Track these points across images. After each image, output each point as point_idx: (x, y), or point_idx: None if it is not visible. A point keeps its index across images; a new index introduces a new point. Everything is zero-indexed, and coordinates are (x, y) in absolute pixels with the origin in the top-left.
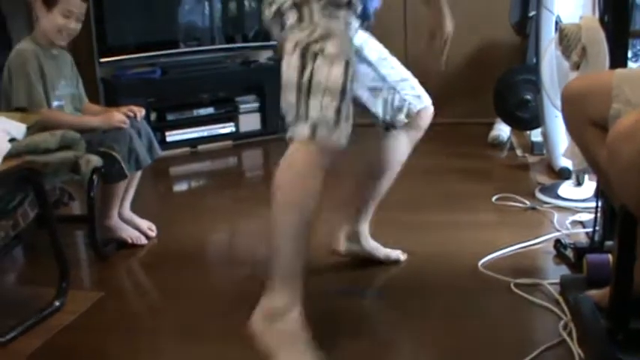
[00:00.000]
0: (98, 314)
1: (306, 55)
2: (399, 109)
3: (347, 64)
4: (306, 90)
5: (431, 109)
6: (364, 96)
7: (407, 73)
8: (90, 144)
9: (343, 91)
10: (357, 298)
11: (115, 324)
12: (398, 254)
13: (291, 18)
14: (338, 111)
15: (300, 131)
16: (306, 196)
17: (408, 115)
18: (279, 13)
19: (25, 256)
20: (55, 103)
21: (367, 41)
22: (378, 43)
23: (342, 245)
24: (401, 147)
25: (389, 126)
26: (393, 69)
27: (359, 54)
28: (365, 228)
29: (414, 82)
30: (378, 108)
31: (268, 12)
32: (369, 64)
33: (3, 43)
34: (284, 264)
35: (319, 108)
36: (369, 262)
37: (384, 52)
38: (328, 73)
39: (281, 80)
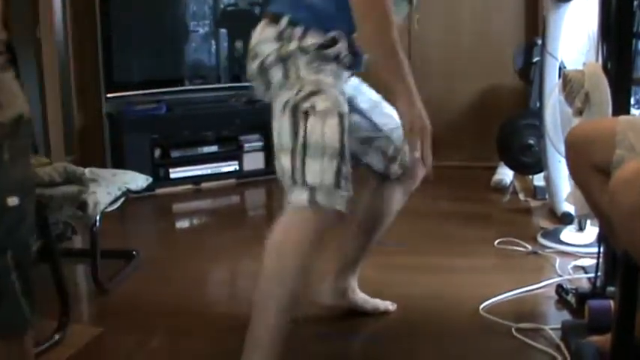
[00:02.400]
0: (97, 350)
1: (297, 114)
2: (394, 159)
3: (341, 118)
4: (301, 153)
5: None
6: (356, 147)
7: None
8: None
9: (342, 149)
10: (357, 342)
11: None
12: (387, 305)
13: (276, 75)
14: (338, 172)
15: (297, 197)
16: (297, 268)
17: (402, 166)
18: (263, 69)
19: None
20: None
21: (359, 88)
22: (369, 89)
23: (328, 299)
24: (395, 197)
25: (383, 177)
26: (388, 116)
27: (350, 104)
28: (354, 281)
29: None
30: (371, 159)
31: (251, 68)
32: (362, 113)
33: None
34: (259, 333)
35: (317, 171)
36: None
37: (377, 99)
38: (322, 131)
39: (273, 144)
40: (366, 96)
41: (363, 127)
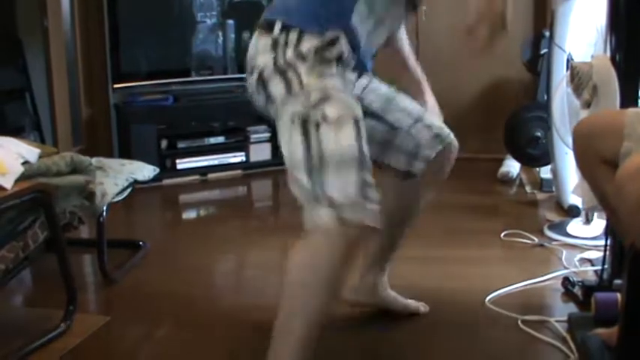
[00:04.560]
0: (103, 339)
1: (308, 126)
2: (415, 155)
3: (356, 124)
4: (318, 167)
5: (453, 144)
6: (376, 152)
7: (419, 111)
8: None
9: (361, 157)
10: (364, 333)
11: (119, 350)
12: (418, 306)
13: (277, 88)
14: (362, 183)
15: (320, 218)
16: (324, 299)
17: (425, 159)
18: (262, 81)
19: (33, 278)
20: None
21: (368, 87)
22: (378, 84)
23: (355, 295)
24: (421, 193)
25: (406, 174)
26: (403, 111)
27: (362, 107)
28: (383, 278)
29: (430, 119)
30: (393, 159)
31: (250, 82)
32: (375, 115)
33: (18, 66)
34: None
35: (340, 186)
36: None
37: (389, 93)
38: (337, 140)
39: (285, 163)
40: (377, 93)
41: (379, 130)
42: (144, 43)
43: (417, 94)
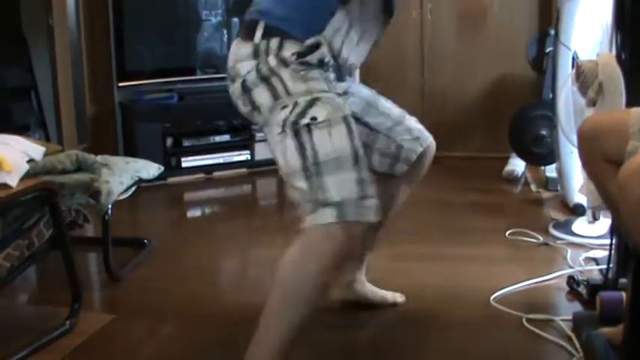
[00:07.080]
0: (109, 337)
1: (299, 131)
2: (396, 158)
3: (346, 122)
4: (315, 171)
5: (432, 146)
6: None
7: (399, 114)
8: None
9: (355, 154)
10: (368, 331)
11: (124, 347)
12: (395, 297)
13: (262, 96)
14: (360, 181)
15: (322, 218)
16: (318, 291)
17: (407, 161)
18: (246, 88)
19: (38, 276)
20: None
21: (348, 91)
22: (361, 87)
23: (333, 292)
24: (401, 192)
25: (388, 176)
26: (383, 114)
27: None
28: (361, 274)
29: (410, 121)
30: (374, 162)
31: (233, 88)
32: (355, 119)
33: (24, 65)
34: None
35: (339, 186)
36: None
37: (370, 97)
38: (330, 141)
39: (280, 172)
40: (357, 96)
41: (359, 133)
42: (149, 41)
43: None
